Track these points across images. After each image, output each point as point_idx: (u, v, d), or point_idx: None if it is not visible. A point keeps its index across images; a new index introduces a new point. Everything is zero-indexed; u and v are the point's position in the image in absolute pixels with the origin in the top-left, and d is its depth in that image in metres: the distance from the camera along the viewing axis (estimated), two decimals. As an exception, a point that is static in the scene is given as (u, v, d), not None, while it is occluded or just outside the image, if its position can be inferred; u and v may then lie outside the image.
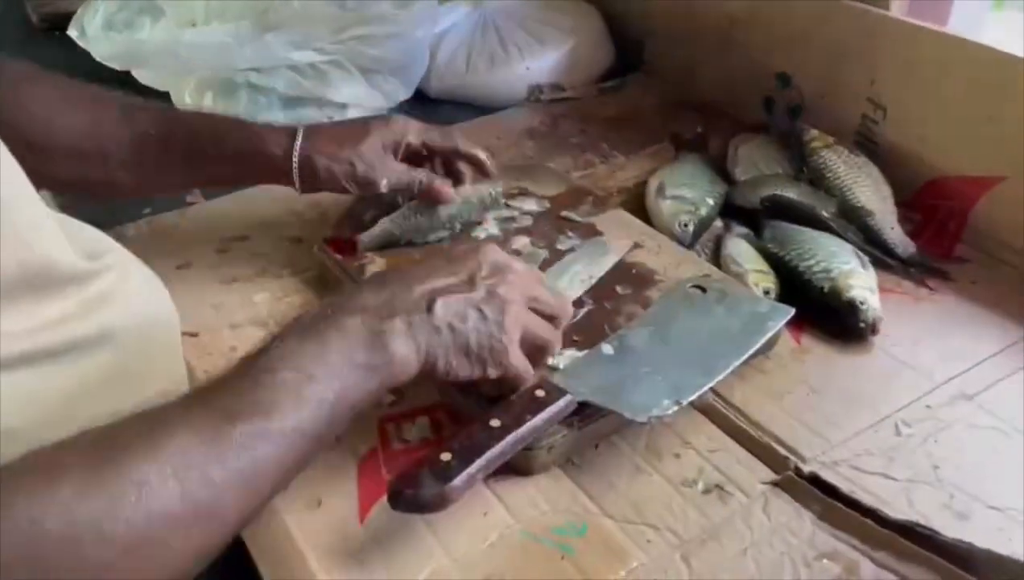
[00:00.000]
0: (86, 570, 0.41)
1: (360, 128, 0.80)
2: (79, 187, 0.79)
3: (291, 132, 0.78)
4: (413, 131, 0.81)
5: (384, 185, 0.78)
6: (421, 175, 0.80)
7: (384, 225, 0.81)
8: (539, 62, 1.20)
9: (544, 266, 0.78)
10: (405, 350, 0.54)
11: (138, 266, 0.60)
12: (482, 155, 0.84)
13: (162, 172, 0.78)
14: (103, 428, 0.46)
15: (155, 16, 1.12)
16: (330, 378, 0.51)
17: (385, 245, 0.81)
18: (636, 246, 0.81)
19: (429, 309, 0.56)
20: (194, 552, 0.46)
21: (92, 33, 1.10)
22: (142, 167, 0.76)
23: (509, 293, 0.59)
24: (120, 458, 0.43)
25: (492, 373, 0.59)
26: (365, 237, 0.80)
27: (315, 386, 0.50)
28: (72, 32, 1.13)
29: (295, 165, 0.77)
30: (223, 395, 0.49)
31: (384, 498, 0.55)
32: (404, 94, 1.17)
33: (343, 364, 0.52)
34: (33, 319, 0.47)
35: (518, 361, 0.60)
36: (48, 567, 0.40)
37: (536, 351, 0.62)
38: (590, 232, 0.83)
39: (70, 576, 0.40)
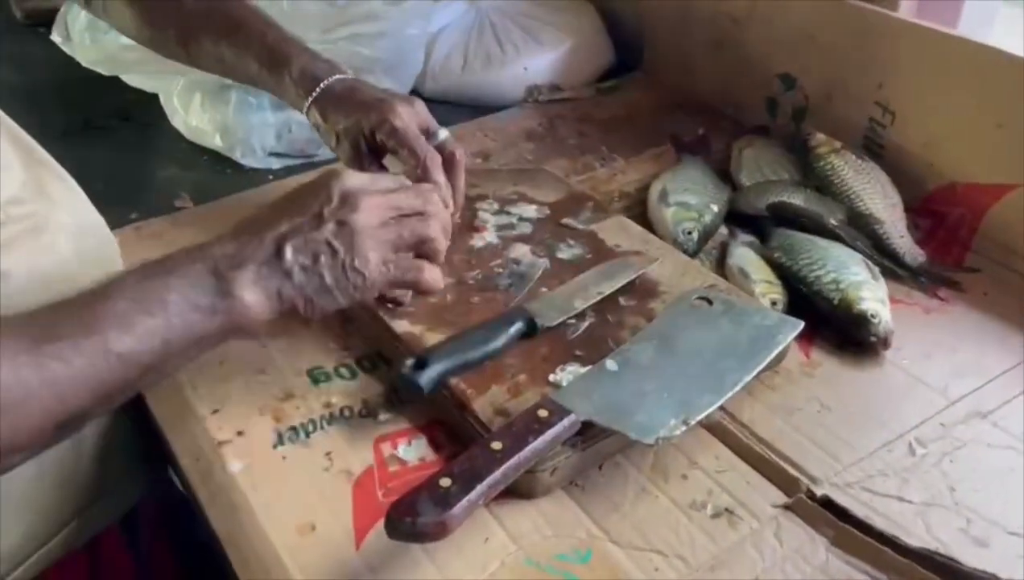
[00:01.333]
0: None
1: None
2: None
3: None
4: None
5: (399, 123, 0.74)
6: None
7: None
8: (537, 62, 1.17)
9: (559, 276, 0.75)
10: (254, 297, 0.54)
11: (74, 216, 0.65)
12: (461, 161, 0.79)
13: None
14: None
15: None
16: (165, 313, 0.52)
17: None
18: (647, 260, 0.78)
19: (278, 255, 0.55)
20: None
21: (76, 36, 1.06)
22: None
23: (361, 219, 0.58)
24: None
25: (364, 299, 0.60)
26: None
27: (146, 318, 0.51)
28: (55, 36, 1.10)
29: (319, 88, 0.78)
30: (55, 312, 0.51)
31: (381, 523, 0.53)
32: (398, 95, 1.14)
33: (181, 302, 0.53)
34: None
35: (389, 278, 0.59)
36: None
37: (423, 253, 0.62)
38: (592, 241, 0.80)
39: None
